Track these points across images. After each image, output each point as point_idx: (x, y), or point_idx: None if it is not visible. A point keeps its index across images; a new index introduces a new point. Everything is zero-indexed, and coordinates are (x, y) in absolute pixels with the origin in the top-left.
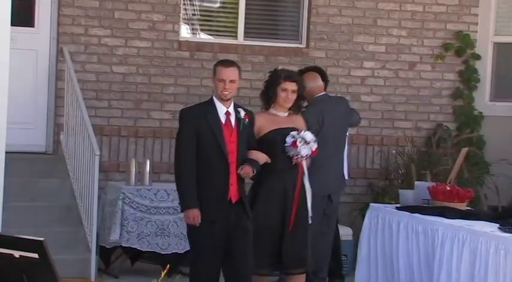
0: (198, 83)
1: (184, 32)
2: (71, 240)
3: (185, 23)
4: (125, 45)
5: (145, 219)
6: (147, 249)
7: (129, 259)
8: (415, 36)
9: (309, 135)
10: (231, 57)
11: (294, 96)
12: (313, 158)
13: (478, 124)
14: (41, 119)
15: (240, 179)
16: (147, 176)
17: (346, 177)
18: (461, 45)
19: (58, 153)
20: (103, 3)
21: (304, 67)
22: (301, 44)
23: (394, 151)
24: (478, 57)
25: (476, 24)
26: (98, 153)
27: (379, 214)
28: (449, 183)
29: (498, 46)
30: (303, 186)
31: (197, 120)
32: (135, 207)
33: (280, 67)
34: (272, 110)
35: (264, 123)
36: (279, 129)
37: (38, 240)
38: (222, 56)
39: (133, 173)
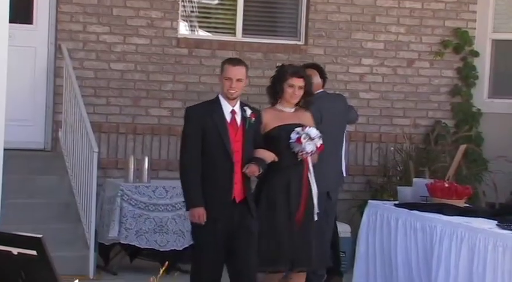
0: (196, 80)
1: (183, 29)
2: (70, 237)
3: (183, 20)
4: (123, 42)
5: (143, 216)
6: (145, 246)
7: (128, 256)
8: (414, 33)
9: (313, 132)
10: (230, 54)
11: (300, 92)
12: (319, 154)
13: (476, 121)
14: (39, 116)
15: (246, 178)
16: (145, 173)
17: (344, 174)
18: (460, 42)
19: (56, 150)
20: (101, 0)
21: (302, 64)
22: (299, 41)
23: (392, 148)
24: (476, 54)
25: (475, 21)
26: (96, 150)
27: (377, 211)
28: (448, 180)
29: (496, 43)
30: (309, 182)
31: (202, 118)
32: (133, 204)
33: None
34: (278, 106)
35: (269, 120)
36: (284, 125)
37: (36, 237)
38: (220, 53)
39: (132, 170)
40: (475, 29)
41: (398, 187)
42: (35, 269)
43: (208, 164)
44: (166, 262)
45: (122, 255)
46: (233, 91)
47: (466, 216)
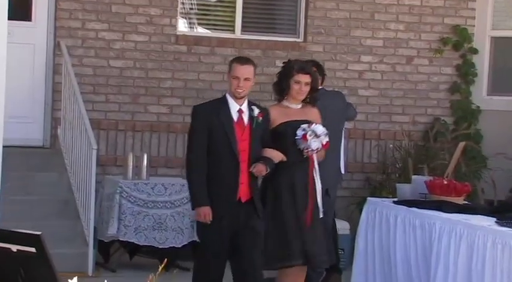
0: (195, 77)
1: (182, 26)
2: (69, 234)
3: (182, 17)
4: (122, 39)
5: (142, 213)
6: (144, 244)
7: (127, 253)
8: (413, 30)
9: (319, 129)
10: (229, 51)
11: (307, 89)
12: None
13: (475, 118)
14: (39, 113)
15: (252, 178)
16: (144, 170)
17: (343, 172)
18: (459, 40)
19: (55, 147)
20: None
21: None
22: (298, 38)
23: (391, 145)
24: (475, 51)
25: (474, 18)
26: (95, 147)
27: (376, 208)
28: (447, 177)
29: (495, 40)
30: (314, 180)
31: (209, 117)
32: (132, 201)
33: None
34: (285, 102)
35: (276, 116)
36: (290, 121)
37: (35, 234)
38: (219, 50)
39: (131, 167)
40: (474, 26)
41: (397, 184)
42: (34, 266)
43: (214, 162)
44: (165, 259)
45: (121, 252)
46: (240, 90)
47: (465, 213)
